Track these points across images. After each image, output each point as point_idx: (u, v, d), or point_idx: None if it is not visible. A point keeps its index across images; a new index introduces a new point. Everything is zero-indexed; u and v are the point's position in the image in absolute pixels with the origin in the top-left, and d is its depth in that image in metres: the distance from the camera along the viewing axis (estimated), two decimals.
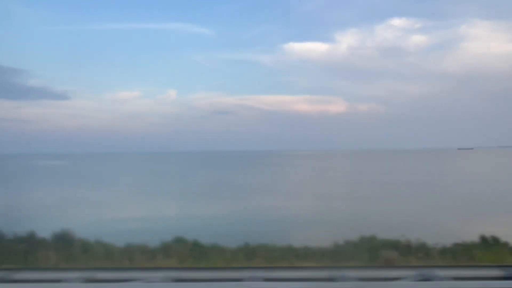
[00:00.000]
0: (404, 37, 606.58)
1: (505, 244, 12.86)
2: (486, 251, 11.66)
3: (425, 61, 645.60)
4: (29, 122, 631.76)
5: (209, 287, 4.26)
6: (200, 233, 15.30)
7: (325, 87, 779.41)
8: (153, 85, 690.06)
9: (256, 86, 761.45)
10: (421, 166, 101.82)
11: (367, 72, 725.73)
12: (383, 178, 61.52)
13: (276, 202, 35.96)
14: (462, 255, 11.23)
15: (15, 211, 31.10)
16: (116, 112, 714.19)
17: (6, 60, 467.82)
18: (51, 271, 5.44)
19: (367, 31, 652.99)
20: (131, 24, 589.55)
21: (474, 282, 4.12)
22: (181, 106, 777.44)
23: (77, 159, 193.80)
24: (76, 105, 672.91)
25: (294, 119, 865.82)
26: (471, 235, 13.91)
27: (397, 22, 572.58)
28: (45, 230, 14.17)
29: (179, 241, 12.78)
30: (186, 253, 11.55)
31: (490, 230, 14.56)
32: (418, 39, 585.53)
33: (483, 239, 13.25)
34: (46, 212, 31.10)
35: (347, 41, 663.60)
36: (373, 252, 11.08)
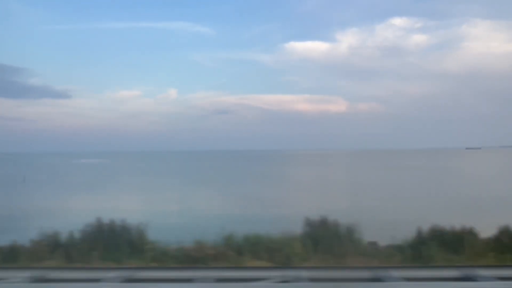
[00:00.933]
0: (405, 37, 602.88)
1: None
2: None
3: (426, 61, 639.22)
4: (29, 121, 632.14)
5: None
6: None
7: (326, 86, 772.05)
8: (153, 84, 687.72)
9: (256, 85, 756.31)
10: (454, 165, 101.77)
11: (368, 71, 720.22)
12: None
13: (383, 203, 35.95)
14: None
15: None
16: (117, 111, 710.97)
17: (6, 59, 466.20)
18: (89, 270, 5.61)
19: (368, 30, 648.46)
20: (132, 23, 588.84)
21: None
22: (182, 105, 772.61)
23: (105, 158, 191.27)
24: (77, 104, 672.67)
25: (295, 118, 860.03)
26: None
27: (397, 21, 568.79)
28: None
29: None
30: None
31: None
32: (419, 38, 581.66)
33: None
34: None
35: (347, 40, 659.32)
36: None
